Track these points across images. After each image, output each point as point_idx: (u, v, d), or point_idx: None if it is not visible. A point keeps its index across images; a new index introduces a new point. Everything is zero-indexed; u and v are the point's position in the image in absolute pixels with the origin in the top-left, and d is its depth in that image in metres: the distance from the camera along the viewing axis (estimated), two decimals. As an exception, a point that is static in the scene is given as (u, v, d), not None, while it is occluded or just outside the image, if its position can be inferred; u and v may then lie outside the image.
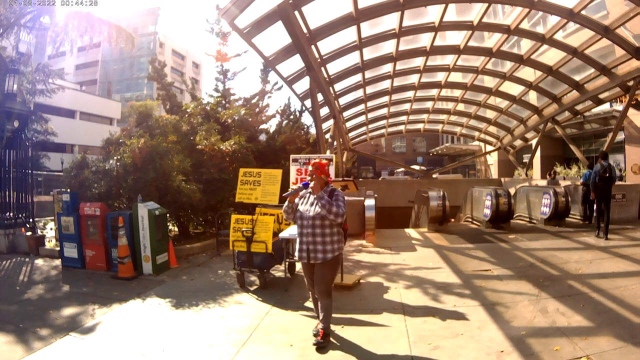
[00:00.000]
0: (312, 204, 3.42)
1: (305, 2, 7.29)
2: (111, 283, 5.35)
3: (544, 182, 13.24)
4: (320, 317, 3.39)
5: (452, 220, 10.38)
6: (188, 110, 9.57)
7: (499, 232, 8.32)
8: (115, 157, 6.96)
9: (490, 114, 17.85)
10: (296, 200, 3.52)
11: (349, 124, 17.70)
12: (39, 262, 6.54)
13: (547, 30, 10.14)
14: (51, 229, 8.41)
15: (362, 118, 17.67)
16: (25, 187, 7.93)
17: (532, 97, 15.55)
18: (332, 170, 8.05)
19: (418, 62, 12.09)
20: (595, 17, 9.72)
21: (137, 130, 8.06)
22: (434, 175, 22.15)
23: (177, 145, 7.53)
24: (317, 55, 9.44)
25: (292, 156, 6.85)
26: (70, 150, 32.25)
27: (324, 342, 3.28)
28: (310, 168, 3.45)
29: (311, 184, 3.40)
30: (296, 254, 3.52)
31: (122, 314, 4.22)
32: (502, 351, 3.11)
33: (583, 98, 12.50)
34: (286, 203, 3.50)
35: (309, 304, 4.16)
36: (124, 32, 11.47)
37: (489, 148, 21.98)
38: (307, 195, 3.51)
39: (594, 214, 8.19)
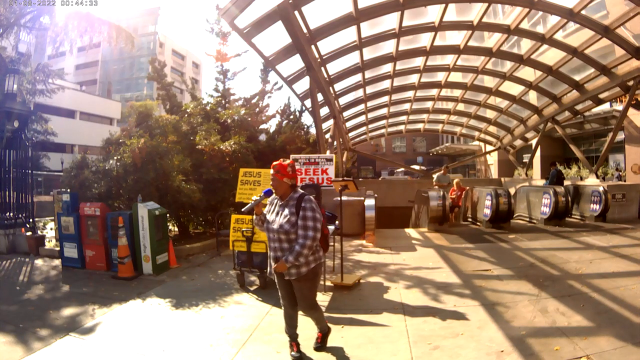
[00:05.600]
0: (277, 214, 2.99)
1: (305, 2, 7.29)
2: (111, 283, 5.34)
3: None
4: (315, 323, 3.31)
5: (454, 215, 10.36)
6: (188, 110, 9.57)
7: (499, 232, 8.32)
8: (115, 157, 6.95)
9: (490, 114, 17.84)
10: (265, 209, 3.12)
11: (349, 124, 17.70)
12: (39, 262, 6.54)
13: (547, 30, 10.13)
14: (51, 229, 8.41)
15: (362, 118, 17.66)
16: (25, 187, 7.93)
17: (532, 97, 15.54)
18: (332, 170, 8.09)
19: (418, 62, 12.09)
20: (595, 17, 9.71)
21: (137, 130, 8.06)
22: (433, 176, 22.11)
23: (177, 145, 7.53)
24: (317, 55, 9.44)
25: (292, 156, 6.85)
26: (70, 150, 32.25)
27: (322, 344, 3.30)
28: (284, 170, 2.99)
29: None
30: (268, 268, 3.15)
31: (122, 314, 4.22)
32: (502, 351, 3.11)
33: (583, 98, 12.49)
34: (254, 216, 3.08)
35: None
36: (124, 32, 11.49)
37: (489, 148, 21.96)
38: (275, 201, 3.09)
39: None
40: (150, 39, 46.81)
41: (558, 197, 8.80)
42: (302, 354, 3.17)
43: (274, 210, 3.05)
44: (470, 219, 10.29)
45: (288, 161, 3.02)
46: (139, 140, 6.66)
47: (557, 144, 21.03)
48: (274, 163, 3.00)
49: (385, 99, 15.33)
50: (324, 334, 3.32)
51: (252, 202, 2.99)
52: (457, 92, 15.59)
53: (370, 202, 8.04)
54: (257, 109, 11.54)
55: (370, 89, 13.89)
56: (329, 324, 3.42)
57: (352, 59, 10.79)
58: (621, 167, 16.29)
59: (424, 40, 10.59)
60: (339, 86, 12.49)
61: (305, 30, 8.09)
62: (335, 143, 12.80)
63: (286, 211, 2.95)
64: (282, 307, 3.23)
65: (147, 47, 45.84)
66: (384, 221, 9.96)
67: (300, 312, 3.23)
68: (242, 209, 3.06)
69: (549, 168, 12.13)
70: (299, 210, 2.91)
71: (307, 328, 3.42)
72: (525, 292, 4.41)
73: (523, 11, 9.11)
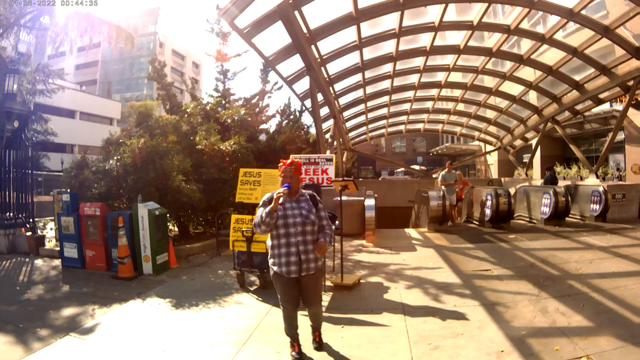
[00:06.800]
0: (293, 209, 3.03)
1: (305, 2, 7.29)
2: (111, 283, 5.35)
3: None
4: (312, 322, 3.33)
5: (457, 209, 10.36)
6: (188, 110, 9.57)
7: (499, 232, 8.32)
8: (115, 157, 6.96)
9: (490, 114, 17.84)
10: (264, 208, 3.04)
11: (349, 124, 17.70)
12: (39, 262, 6.54)
13: (547, 30, 10.12)
14: (51, 229, 8.41)
15: (362, 118, 17.66)
16: (25, 187, 7.93)
17: (532, 97, 15.54)
18: (332, 170, 8.08)
19: (418, 62, 12.08)
20: (595, 17, 9.71)
21: (137, 130, 8.06)
22: (434, 175, 22.14)
23: (177, 145, 7.53)
24: (317, 55, 9.43)
25: (292, 156, 6.85)
26: (70, 150, 32.25)
27: (321, 342, 3.33)
28: (282, 166, 3.08)
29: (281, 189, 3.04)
30: (281, 269, 2.99)
31: (122, 314, 4.22)
32: (502, 351, 3.11)
33: (583, 98, 12.49)
34: (266, 210, 2.92)
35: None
36: (123, 32, 11.49)
37: (489, 148, 21.95)
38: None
39: None
40: (150, 39, 46.76)
41: (558, 197, 8.80)
42: (303, 354, 3.18)
43: (283, 206, 3.01)
44: (475, 221, 10.28)
45: (298, 160, 3.27)
46: (139, 140, 6.66)
47: (557, 144, 21.03)
48: (291, 159, 3.15)
49: (385, 99, 15.33)
50: (319, 332, 3.36)
51: (283, 194, 2.92)
52: (457, 92, 15.59)
53: (370, 202, 8.04)
54: (257, 109, 11.55)
55: (370, 89, 13.89)
56: (329, 324, 3.43)
57: (352, 59, 10.79)
58: (621, 167, 16.28)
59: (424, 40, 10.59)
60: (339, 86, 12.48)
61: (305, 30, 8.09)
62: (335, 143, 12.79)
63: (304, 205, 3.10)
64: (283, 309, 3.21)
65: (147, 47, 45.79)
66: (384, 221, 9.96)
67: (301, 312, 3.23)
68: (280, 199, 2.92)
69: (557, 163, 12.21)
70: (317, 204, 3.17)
71: (307, 328, 3.42)
72: (525, 292, 4.41)
73: (523, 11, 9.11)
